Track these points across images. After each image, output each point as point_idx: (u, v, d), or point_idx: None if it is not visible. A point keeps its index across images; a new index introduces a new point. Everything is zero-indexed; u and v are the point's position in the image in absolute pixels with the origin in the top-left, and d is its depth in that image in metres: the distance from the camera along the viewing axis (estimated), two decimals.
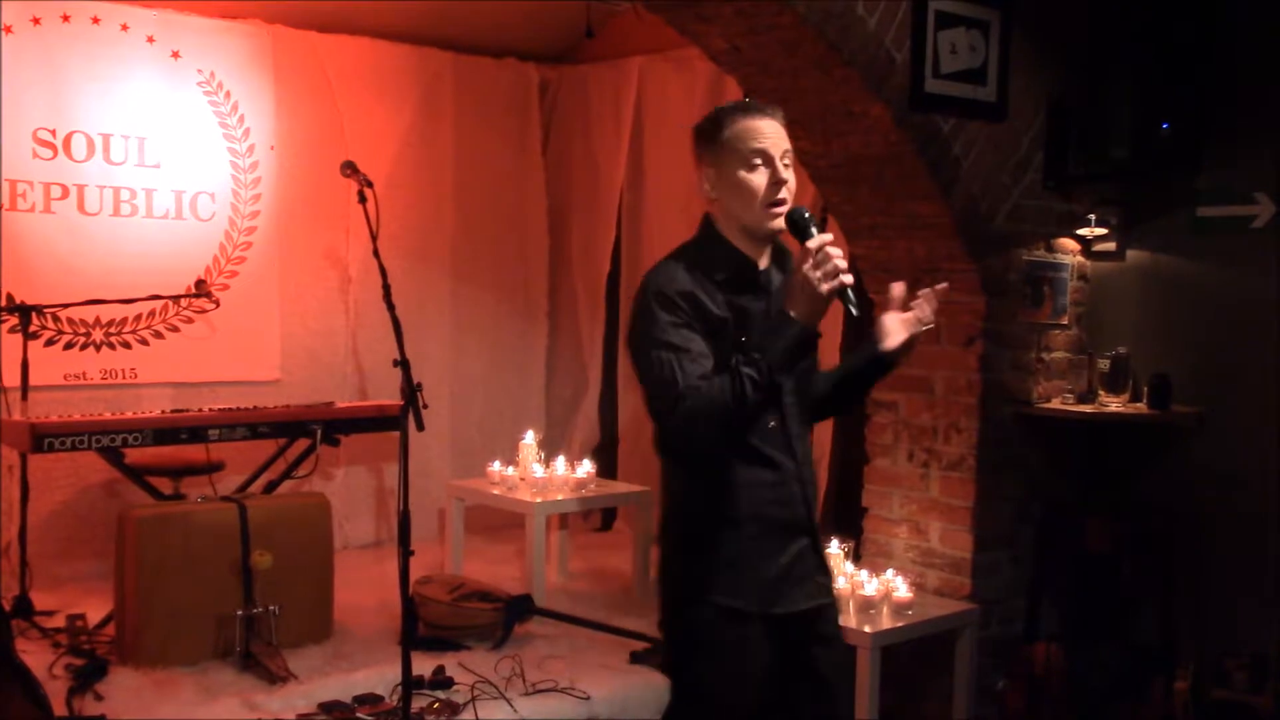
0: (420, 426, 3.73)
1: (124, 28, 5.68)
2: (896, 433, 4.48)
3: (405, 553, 3.61)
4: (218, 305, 5.83)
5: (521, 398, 7.10)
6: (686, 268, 2.54)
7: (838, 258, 2.36)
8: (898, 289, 2.69)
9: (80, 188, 5.59)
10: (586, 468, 5.55)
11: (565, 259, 7.17)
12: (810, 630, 2.65)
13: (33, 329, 5.18)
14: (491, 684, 4.13)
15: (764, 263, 2.61)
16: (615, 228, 6.85)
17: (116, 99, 5.68)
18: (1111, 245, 4.55)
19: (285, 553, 4.47)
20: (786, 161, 2.54)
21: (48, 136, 5.51)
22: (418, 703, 3.91)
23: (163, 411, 5.14)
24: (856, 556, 4.44)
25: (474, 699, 4.01)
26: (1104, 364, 4.39)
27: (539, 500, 5.23)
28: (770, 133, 2.53)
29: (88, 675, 4.11)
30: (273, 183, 6.15)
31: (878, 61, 3.83)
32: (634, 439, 6.85)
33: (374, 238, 4.15)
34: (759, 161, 2.52)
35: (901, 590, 4.10)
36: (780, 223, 2.53)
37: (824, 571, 2.71)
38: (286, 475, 5.21)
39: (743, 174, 2.53)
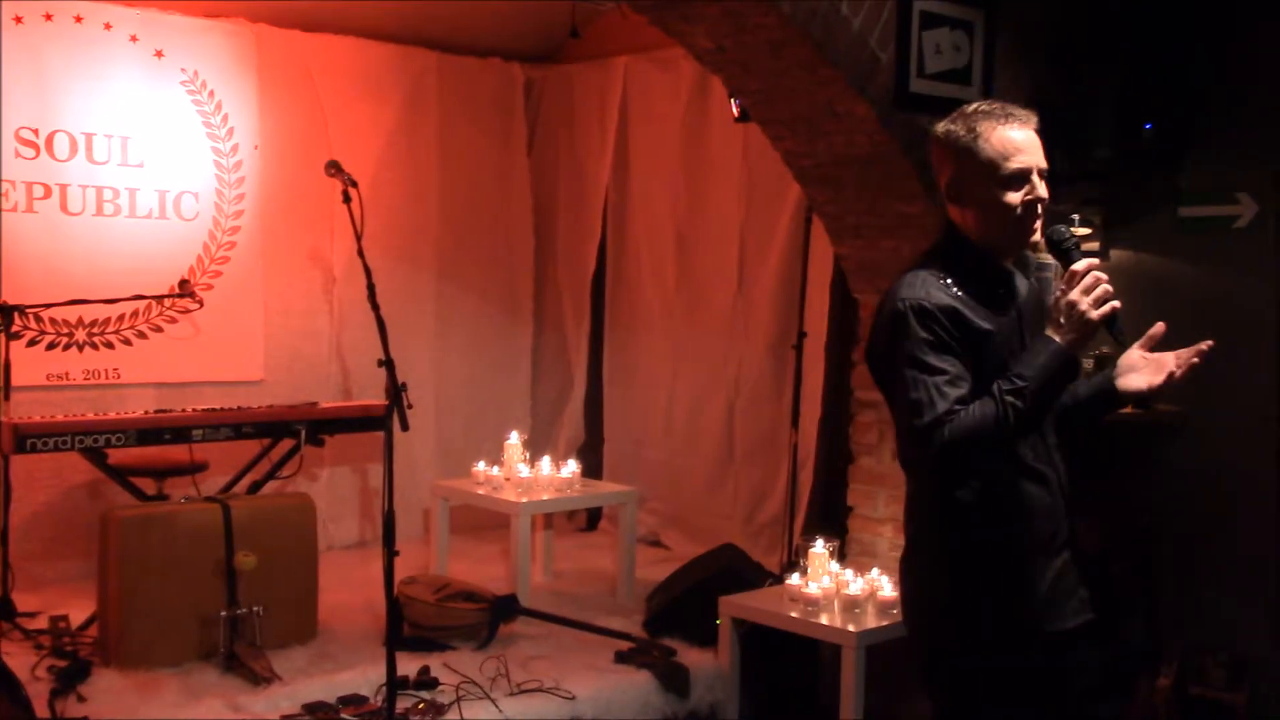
0: (405, 426, 3.73)
1: (107, 27, 5.66)
2: (881, 432, 4.48)
3: (390, 553, 3.60)
4: (201, 305, 5.80)
5: (506, 397, 7.09)
6: (942, 279, 2.41)
7: (1106, 282, 2.29)
8: (1159, 328, 2.52)
9: (63, 187, 5.57)
10: (572, 468, 5.55)
11: (550, 259, 7.17)
12: (1076, 646, 2.53)
13: (15, 329, 5.15)
14: (476, 684, 4.13)
15: (1009, 266, 2.53)
16: (600, 227, 6.85)
17: (99, 98, 5.66)
18: (1095, 245, 4.56)
19: (269, 553, 4.45)
20: (1043, 177, 2.43)
21: (30, 136, 5.48)
22: (403, 703, 3.90)
23: (146, 412, 5.13)
24: (841, 556, 4.45)
25: (459, 699, 4.01)
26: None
27: (524, 500, 5.22)
28: (1029, 147, 2.42)
29: (70, 677, 4.09)
30: (257, 182, 6.13)
31: (862, 61, 3.84)
32: (619, 439, 6.86)
33: (358, 237, 4.14)
34: (1018, 180, 2.40)
35: (886, 590, 4.11)
36: (1037, 238, 2.45)
37: (1084, 586, 2.55)
38: (271, 476, 5.20)
39: (998, 192, 2.40)
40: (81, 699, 3.98)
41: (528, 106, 7.12)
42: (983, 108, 2.46)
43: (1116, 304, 2.29)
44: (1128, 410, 4.26)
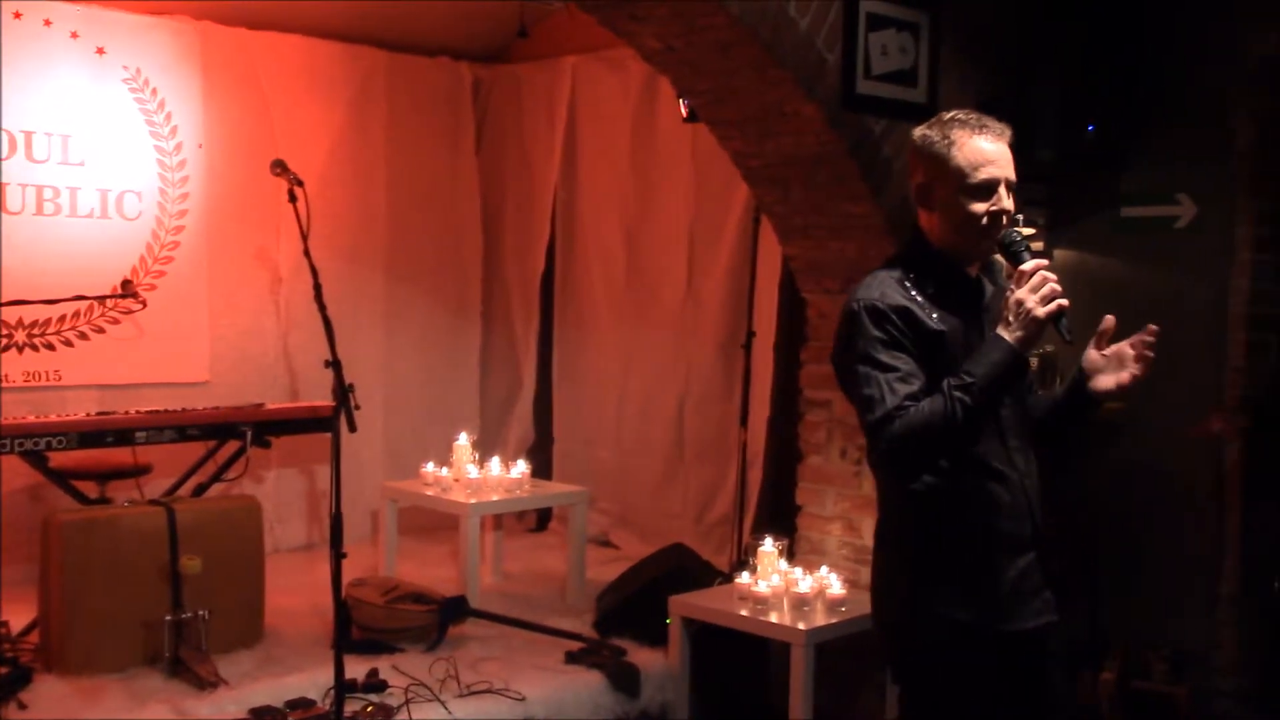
0: (353, 428, 3.71)
1: (47, 23, 5.57)
2: (829, 430, 4.51)
3: (338, 555, 3.58)
4: (144, 306, 5.72)
5: (455, 398, 7.06)
6: (899, 281, 2.48)
7: (1054, 281, 2.35)
8: (1108, 322, 2.57)
9: (2, 186, 5.47)
10: (521, 468, 5.54)
11: (499, 258, 7.15)
12: (1040, 649, 2.58)
13: None
14: (426, 686, 4.11)
15: (973, 272, 2.59)
16: (549, 227, 6.84)
17: (39, 95, 5.56)
18: (1039, 244, 4.62)
19: (215, 557, 4.41)
20: (1010, 190, 2.49)
21: None
22: (351, 706, 3.87)
23: (88, 414, 5.06)
24: (790, 554, 4.47)
25: (408, 701, 3.99)
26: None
27: (473, 501, 5.20)
28: (999, 158, 2.47)
29: (11, 683, 4.02)
30: (201, 181, 6.07)
31: (810, 62, 3.86)
32: (569, 439, 6.85)
33: (305, 237, 4.11)
34: (984, 191, 2.46)
35: (835, 587, 4.14)
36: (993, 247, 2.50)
37: (1050, 588, 2.59)
38: (216, 478, 5.15)
39: (964, 200, 2.46)
40: (23, 706, 3.92)
41: (476, 106, 7.10)
42: (959, 116, 2.51)
43: (1064, 302, 2.35)
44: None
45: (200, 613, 4.34)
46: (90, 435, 4.75)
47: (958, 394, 2.33)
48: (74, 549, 4.22)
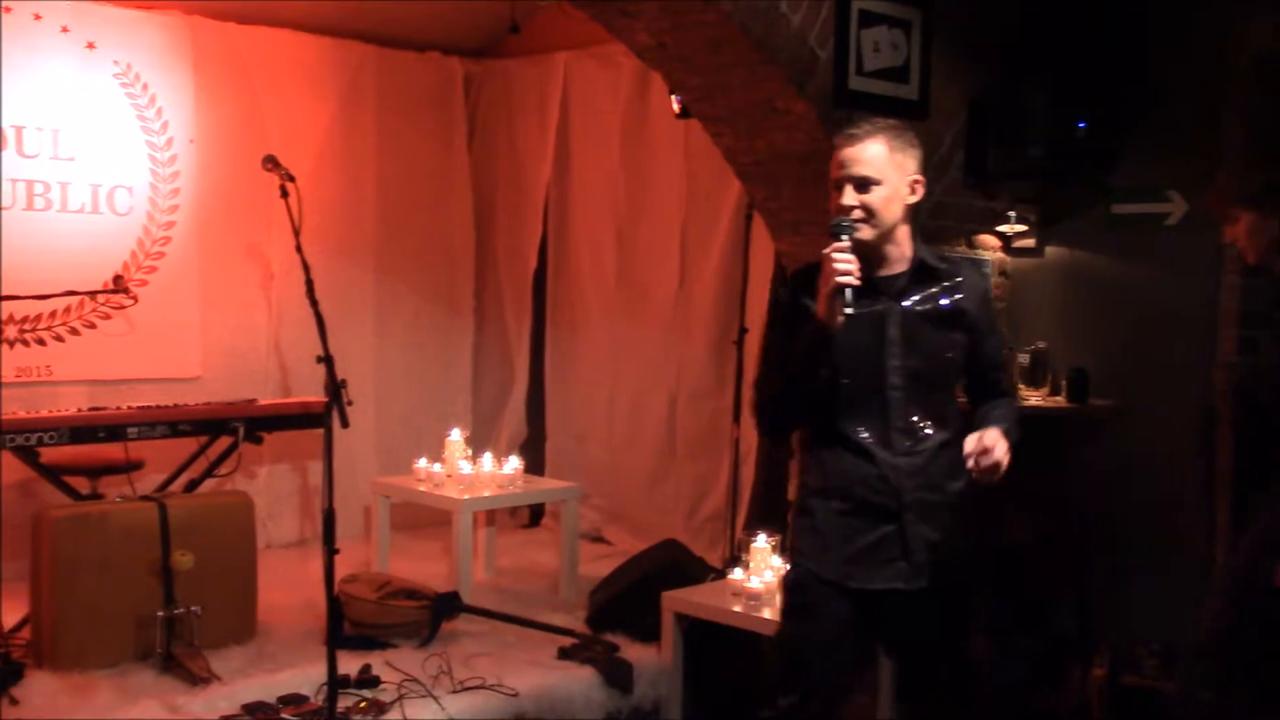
0: (345, 423, 3.70)
1: (37, 17, 5.55)
2: None
3: (330, 551, 3.58)
4: (136, 301, 5.72)
5: (448, 394, 7.06)
6: (812, 272, 2.80)
7: (840, 263, 2.66)
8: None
9: None
10: (514, 464, 5.54)
11: (491, 255, 7.15)
12: (904, 611, 2.86)
13: None
14: (419, 682, 4.11)
15: (887, 271, 2.84)
16: (541, 224, 6.84)
17: (30, 90, 5.55)
18: (1031, 241, 4.63)
19: (207, 552, 4.41)
20: (866, 184, 2.78)
21: None
22: (344, 702, 3.87)
23: (80, 410, 5.05)
24: (783, 549, 4.48)
25: (401, 697, 3.99)
26: (1024, 358, 4.46)
27: (466, 497, 5.20)
28: (848, 160, 2.79)
29: (3, 679, 4.02)
30: (192, 177, 6.05)
31: (802, 59, 3.86)
32: (561, 435, 6.85)
33: (296, 233, 4.11)
34: (836, 187, 2.81)
35: None
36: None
37: (909, 560, 2.82)
38: (208, 474, 5.15)
39: (833, 195, 2.82)
40: (14, 702, 3.92)
41: (467, 102, 7.09)
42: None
43: (844, 280, 2.65)
44: (1052, 404, 4.36)
45: (192, 608, 4.34)
46: (82, 431, 4.75)
47: (779, 365, 2.83)
48: (66, 544, 4.21)
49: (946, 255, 2.80)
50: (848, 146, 2.80)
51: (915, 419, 2.82)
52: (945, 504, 2.84)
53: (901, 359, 2.79)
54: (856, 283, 2.66)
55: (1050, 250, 4.63)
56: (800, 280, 2.87)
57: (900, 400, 2.80)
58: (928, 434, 2.83)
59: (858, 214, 2.76)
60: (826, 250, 2.68)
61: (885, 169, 2.78)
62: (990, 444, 2.66)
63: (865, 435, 2.81)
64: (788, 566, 3.10)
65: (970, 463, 2.68)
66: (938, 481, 2.83)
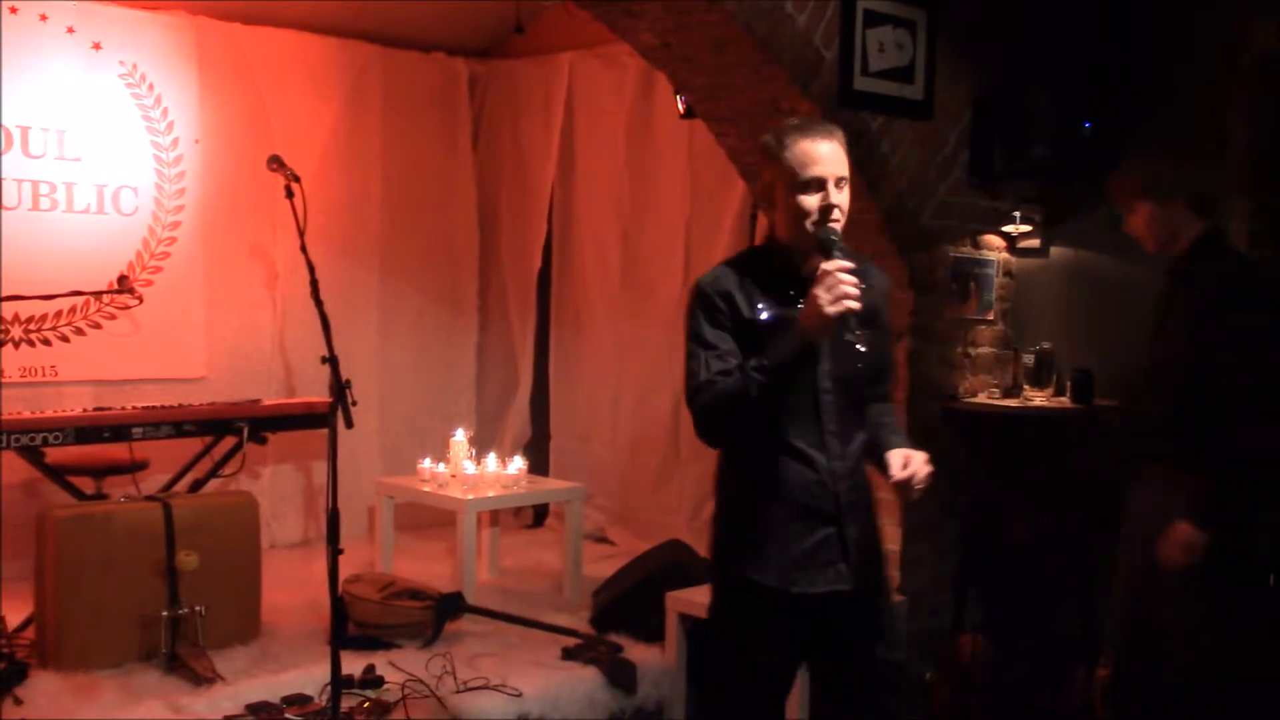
0: (349, 424, 3.70)
1: (43, 18, 5.57)
2: None
3: (334, 551, 3.58)
4: (141, 301, 5.73)
5: (452, 394, 7.07)
6: (735, 270, 2.74)
7: (848, 284, 2.52)
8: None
9: None
10: (518, 464, 5.54)
11: (495, 255, 7.15)
12: (836, 614, 2.78)
13: None
14: (422, 682, 4.11)
15: (808, 270, 2.70)
16: (546, 224, 6.84)
17: (36, 91, 5.56)
18: (1035, 242, 4.63)
19: (211, 553, 4.41)
20: (840, 185, 2.67)
21: None
22: (347, 702, 3.87)
23: (84, 410, 5.06)
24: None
25: (405, 698, 3.99)
26: (1028, 359, 4.46)
27: (470, 497, 5.20)
28: (825, 157, 2.65)
29: (7, 679, 4.02)
30: (197, 177, 6.06)
31: (806, 59, 3.86)
32: (565, 435, 6.85)
33: (301, 233, 4.11)
34: (812, 187, 2.65)
35: None
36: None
37: (848, 561, 2.77)
38: (212, 474, 5.15)
39: (796, 196, 2.65)
40: (19, 702, 3.92)
41: (472, 102, 7.09)
42: (793, 121, 2.74)
43: (853, 305, 2.52)
44: (1057, 404, 4.35)
45: (196, 609, 4.34)
46: (87, 431, 4.75)
47: (754, 374, 2.60)
48: (70, 544, 4.22)
49: (853, 253, 2.65)
50: (824, 141, 2.66)
51: (846, 422, 2.76)
52: (866, 504, 2.82)
53: (831, 362, 2.71)
54: (859, 307, 2.53)
55: (1055, 250, 4.62)
56: (733, 283, 2.71)
57: (831, 404, 2.73)
58: (854, 436, 2.79)
59: (836, 216, 2.65)
60: (829, 267, 2.53)
61: (847, 167, 2.71)
62: (920, 460, 2.68)
63: (802, 440, 2.71)
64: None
65: (914, 482, 2.65)
66: (862, 482, 2.82)
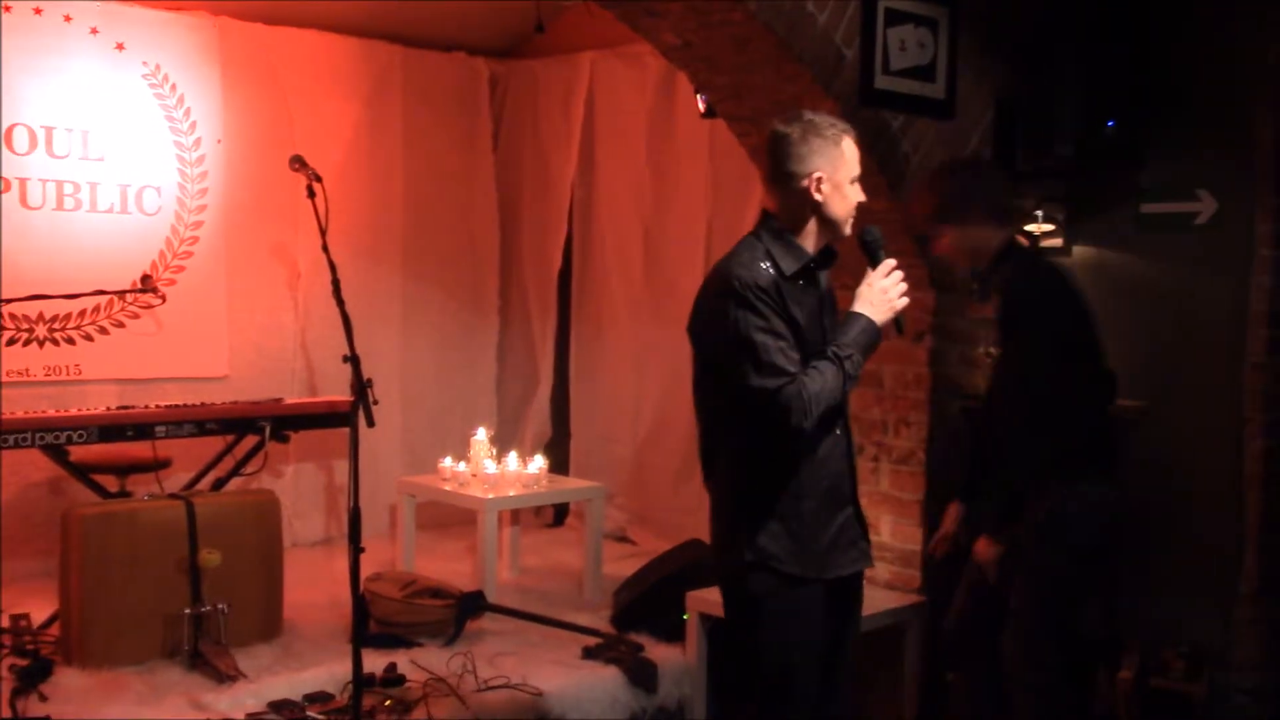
0: (371, 423, 3.72)
1: (67, 19, 5.60)
2: None
3: (356, 549, 3.59)
4: (164, 301, 5.76)
5: (472, 393, 7.08)
6: (766, 262, 2.81)
7: (903, 282, 2.84)
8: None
9: (22, 181, 5.51)
10: (539, 463, 5.54)
11: (516, 254, 7.15)
12: (851, 591, 3.00)
13: None
14: (444, 681, 4.12)
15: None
16: (566, 223, 6.84)
17: (59, 91, 5.59)
18: (1058, 241, 4.60)
19: (234, 550, 4.43)
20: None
21: None
22: (369, 700, 3.89)
23: (108, 408, 5.08)
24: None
25: (426, 696, 4.00)
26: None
27: (491, 496, 5.21)
28: (858, 157, 2.88)
29: (32, 676, 4.05)
30: (220, 177, 6.09)
31: (827, 58, 3.85)
32: (586, 435, 6.85)
33: (323, 233, 4.12)
34: (859, 179, 2.86)
35: None
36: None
37: (864, 537, 3.01)
38: (235, 472, 5.17)
39: (852, 185, 2.84)
40: (43, 698, 3.94)
41: (493, 101, 7.10)
42: (827, 117, 2.85)
43: (906, 301, 2.85)
44: None
45: (219, 606, 4.36)
46: (110, 429, 4.77)
47: (846, 362, 2.75)
48: (94, 542, 4.24)
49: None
50: (855, 140, 2.88)
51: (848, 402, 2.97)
52: None
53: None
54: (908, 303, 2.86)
55: (1078, 249, 4.60)
56: (771, 276, 2.80)
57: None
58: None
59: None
60: (891, 264, 2.85)
61: None
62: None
63: (829, 429, 2.87)
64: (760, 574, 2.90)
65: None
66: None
